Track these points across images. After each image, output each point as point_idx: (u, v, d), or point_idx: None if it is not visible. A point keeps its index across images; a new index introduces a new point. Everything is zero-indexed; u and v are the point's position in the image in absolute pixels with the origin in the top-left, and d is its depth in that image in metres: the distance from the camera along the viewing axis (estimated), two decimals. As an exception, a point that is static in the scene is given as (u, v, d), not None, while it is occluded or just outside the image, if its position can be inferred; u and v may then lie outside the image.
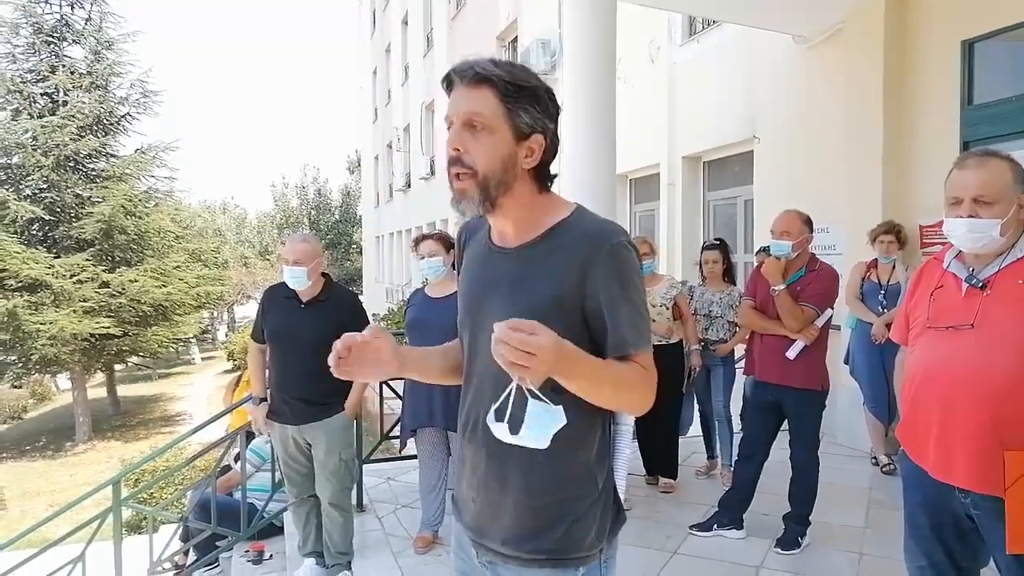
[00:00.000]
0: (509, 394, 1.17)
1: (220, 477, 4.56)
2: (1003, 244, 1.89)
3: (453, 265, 3.33)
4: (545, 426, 1.17)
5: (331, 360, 1.30)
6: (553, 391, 1.17)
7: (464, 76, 1.30)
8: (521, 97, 1.29)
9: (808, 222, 3.61)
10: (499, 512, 1.37)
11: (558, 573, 1.35)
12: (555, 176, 1.40)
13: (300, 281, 3.34)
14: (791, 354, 3.58)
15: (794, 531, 3.68)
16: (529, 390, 1.14)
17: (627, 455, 1.48)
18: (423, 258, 3.68)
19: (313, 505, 3.61)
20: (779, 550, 3.65)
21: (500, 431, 1.20)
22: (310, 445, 3.48)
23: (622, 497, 1.46)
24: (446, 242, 3.68)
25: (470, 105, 1.29)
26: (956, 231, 1.92)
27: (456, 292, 1.54)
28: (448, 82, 1.33)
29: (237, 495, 4.37)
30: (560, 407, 1.16)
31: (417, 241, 3.83)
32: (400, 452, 4.82)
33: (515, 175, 1.31)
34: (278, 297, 3.47)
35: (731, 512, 3.84)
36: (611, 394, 1.29)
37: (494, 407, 1.22)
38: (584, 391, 1.23)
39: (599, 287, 1.28)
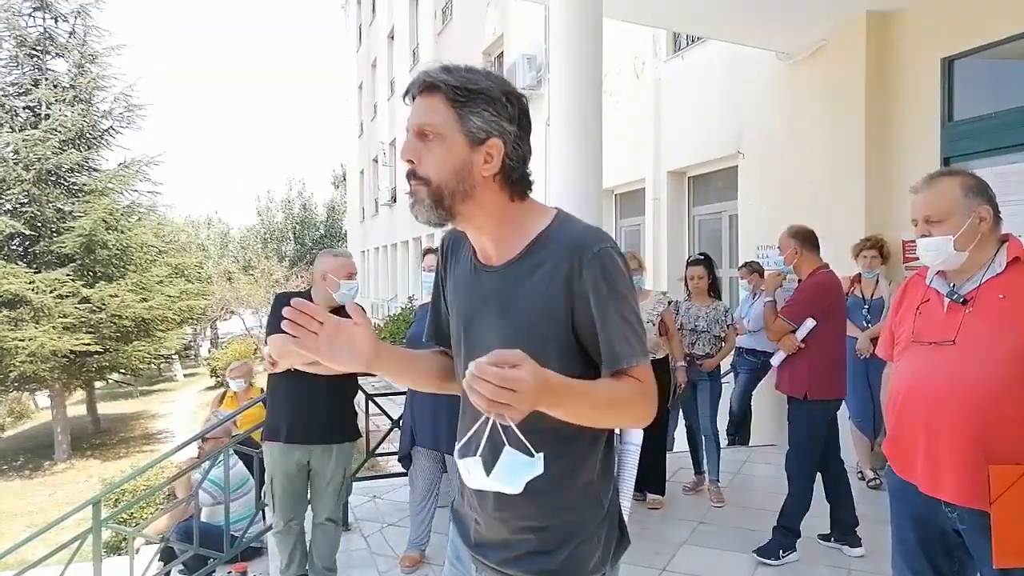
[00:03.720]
0: (482, 430, 1.08)
1: (179, 507, 4.46)
2: (976, 258, 1.91)
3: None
4: (518, 475, 1.10)
5: (288, 324, 1.21)
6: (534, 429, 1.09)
7: (418, 87, 1.26)
8: (471, 101, 1.23)
9: (797, 235, 3.75)
10: (503, 535, 1.34)
11: None
12: (532, 182, 1.32)
13: (356, 294, 3.31)
14: (774, 361, 3.81)
15: (776, 542, 3.68)
16: (506, 433, 1.07)
17: (633, 476, 1.43)
18: (430, 269, 3.70)
19: (299, 529, 3.54)
20: (756, 555, 3.67)
21: (472, 476, 1.14)
22: (309, 464, 3.41)
23: (626, 519, 1.41)
24: None
25: (421, 115, 1.25)
26: (918, 251, 2.00)
27: None
28: (410, 96, 1.29)
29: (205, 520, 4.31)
30: (539, 457, 1.08)
31: (428, 251, 3.87)
32: (405, 469, 4.75)
33: (473, 183, 1.25)
34: None
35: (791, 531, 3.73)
36: (605, 416, 1.26)
37: (460, 443, 1.15)
38: (574, 418, 1.19)
39: (585, 299, 1.23)
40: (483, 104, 1.23)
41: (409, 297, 17.77)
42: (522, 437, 1.07)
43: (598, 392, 1.22)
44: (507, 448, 1.08)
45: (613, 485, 1.39)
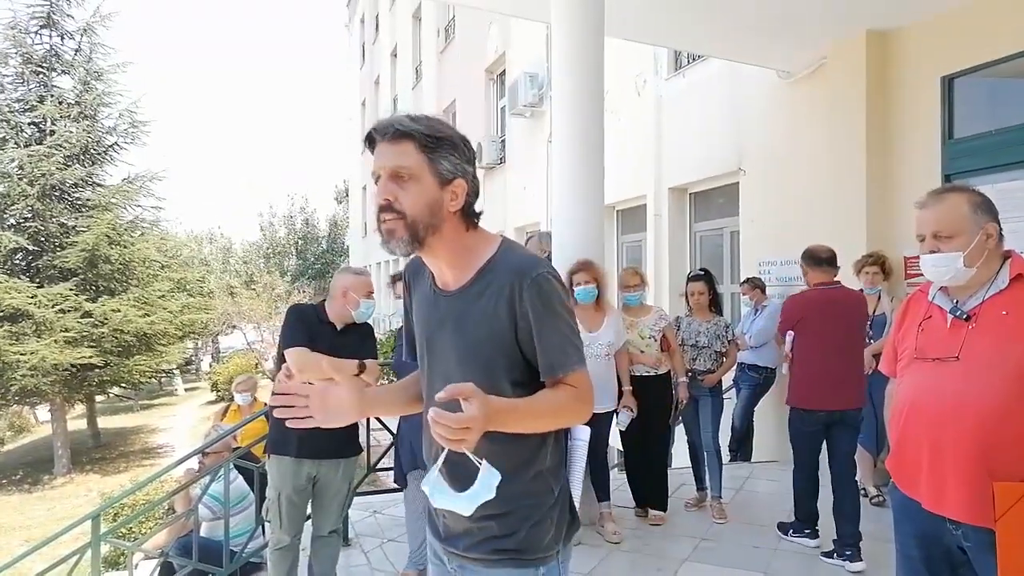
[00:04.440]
0: (440, 459, 1.34)
1: (178, 522, 4.45)
2: (980, 275, 1.91)
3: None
4: (479, 495, 1.29)
5: (279, 399, 1.39)
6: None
7: (385, 134, 1.42)
8: (440, 147, 1.41)
9: (803, 256, 4.07)
10: (466, 524, 1.48)
11: (520, 571, 1.48)
12: (480, 213, 1.52)
13: (373, 313, 3.36)
14: (783, 370, 4.38)
15: (789, 522, 4.16)
16: (466, 456, 1.26)
17: (582, 468, 1.62)
18: (398, 297, 3.67)
19: (296, 547, 3.49)
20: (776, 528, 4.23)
21: (436, 495, 1.35)
22: (316, 477, 3.39)
23: (577, 506, 1.59)
24: None
25: (395, 159, 1.41)
26: (924, 267, 1.98)
27: None
28: (370, 140, 1.45)
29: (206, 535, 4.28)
30: (496, 477, 1.28)
31: (394, 279, 3.83)
32: (401, 487, 4.73)
33: (442, 217, 1.44)
34: (312, 321, 3.26)
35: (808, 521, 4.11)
36: (548, 423, 1.45)
37: (429, 472, 1.37)
38: (519, 429, 1.38)
39: (526, 317, 1.41)
40: (448, 149, 1.43)
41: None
42: (475, 459, 1.28)
43: (537, 405, 1.40)
44: (484, 464, 1.28)
45: (563, 475, 1.56)
